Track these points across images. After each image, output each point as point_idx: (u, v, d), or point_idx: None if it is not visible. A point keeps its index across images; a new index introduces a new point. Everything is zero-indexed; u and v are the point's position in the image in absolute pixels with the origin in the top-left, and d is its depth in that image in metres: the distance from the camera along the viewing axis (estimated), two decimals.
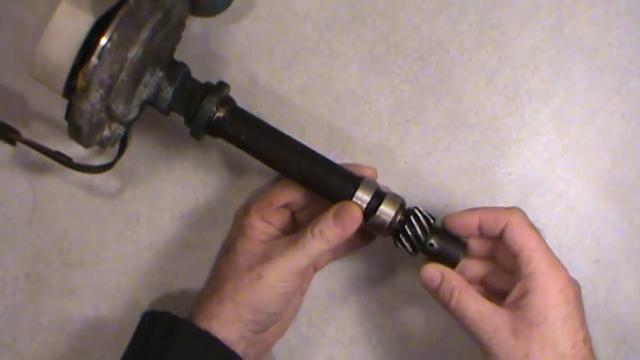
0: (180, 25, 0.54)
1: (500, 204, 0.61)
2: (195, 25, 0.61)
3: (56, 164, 0.61)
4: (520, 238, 0.52)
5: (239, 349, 0.54)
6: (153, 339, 0.54)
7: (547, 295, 0.50)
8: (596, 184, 0.61)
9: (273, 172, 0.59)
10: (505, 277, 0.54)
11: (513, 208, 0.54)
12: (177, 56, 0.55)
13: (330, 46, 0.62)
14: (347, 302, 0.62)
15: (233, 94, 0.56)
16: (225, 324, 0.53)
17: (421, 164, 0.61)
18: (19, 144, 0.55)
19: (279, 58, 0.62)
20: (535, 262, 0.51)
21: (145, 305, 0.62)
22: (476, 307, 0.51)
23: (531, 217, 0.61)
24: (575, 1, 0.61)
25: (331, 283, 0.62)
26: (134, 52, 0.47)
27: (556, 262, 0.51)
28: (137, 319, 0.56)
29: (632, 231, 0.61)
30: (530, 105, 0.61)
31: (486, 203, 0.61)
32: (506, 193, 0.61)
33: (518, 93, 0.61)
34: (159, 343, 0.53)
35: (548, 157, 0.61)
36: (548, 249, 0.52)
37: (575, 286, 0.51)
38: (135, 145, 0.62)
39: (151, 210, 0.62)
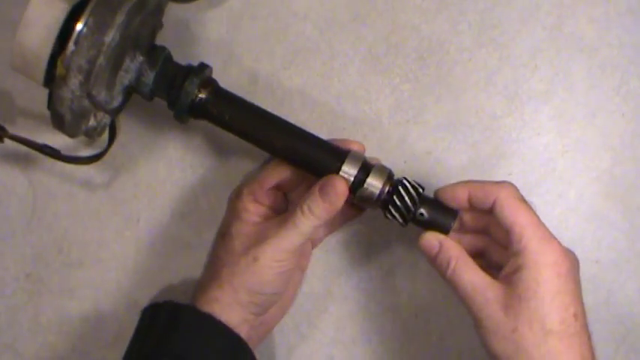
0: (159, 11, 0.54)
1: None
2: (196, 24, 0.61)
3: (54, 164, 0.61)
4: (510, 214, 0.51)
5: (242, 332, 0.54)
6: (156, 325, 0.55)
7: (538, 270, 0.49)
8: (596, 184, 0.61)
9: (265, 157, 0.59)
10: (502, 250, 0.54)
11: (503, 182, 0.53)
12: (177, 57, 0.55)
13: (330, 46, 0.62)
14: (347, 302, 0.62)
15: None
16: (226, 308, 0.54)
17: (421, 164, 0.61)
18: (10, 142, 0.55)
19: (279, 58, 0.62)
20: (526, 237, 0.50)
21: (145, 305, 0.62)
22: (470, 277, 0.51)
23: None
24: (575, 0, 0.61)
25: (331, 283, 0.62)
26: (111, 36, 0.48)
27: (548, 236, 0.51)
28: (137, 319, 0.56)
29: (632, 231, 0.61)
30: (530, 105, 0.61)
31: None
32: None
33: (518, 93, 0.61)
34: (163, 329, 0.54)
35: (548, 157, 0.61)
36: (540, 223, 0.51)
37: (569, 260, 0.50)
38: (135, 145, 0.62)
39: (150, 210, 0.62)
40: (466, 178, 0.60)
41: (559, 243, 0.51)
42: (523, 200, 0.52)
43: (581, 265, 0.60)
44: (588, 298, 0.61)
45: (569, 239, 0.60)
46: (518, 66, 0.61)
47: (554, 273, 0.49)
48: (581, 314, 0.50)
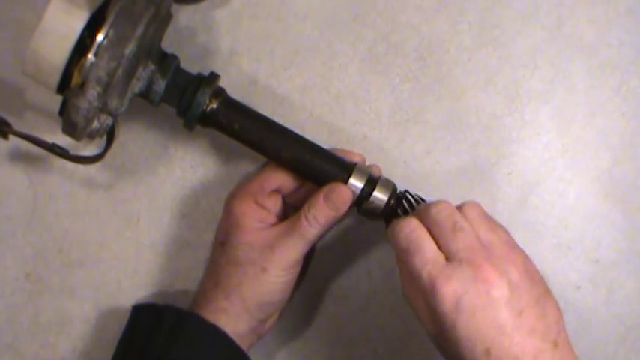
0: (169, 16, 0.54)
1: (500, 204, 0.61)
2: (196, 24, 0.61)
3: (55, 164, 0.61)
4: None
5: (248, 340, 0.55)
6: (160, 331, 0.55)
7: (437, 315, 0.47)
8: (596, 184, 0.61)
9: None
10: None
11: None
12: (179, 57, 0.56)
13: (330, 46, 0.62)
14: (347, 302, 0.62)
15: (233, 94, 0.56)
16: (233, 318, 0.54)
17: (421, 164, 0.61)
18: (17, 141, 0.55)
19: (279, 58, 0.62)
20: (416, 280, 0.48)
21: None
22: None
23: (531, 217, 0.61)
24: (575, 1, 0.61)
25: (331, 283, 0.62)
26: (130, 49, 0.47)
27: (437, 272, 0.47)
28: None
29: (632, 231, 0.61)
30: (530, 105, 0.61)
31: (486, 203, 0.60)
32: (506, 193, 0.61)
33: (518, 93, 0.61)
34: (167, 335, 0.54)
35: (548, 157, 0.61)
36: (433, 259, 0.48)
37: (468, 289, 0.46)
38: (135, 145, 0.62)
39: (151, 210, 0.62)
40: (466, 178, 0.61)
41: (452, 272, 0.46)
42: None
43: (581, 264, 0.61)
44: (588, 298, 0.61)
45: (569, 239, 0.61)
46: (518, 66, 0.61)
47: (450, 318, 0.46)
48: (495, 346, 0.45)
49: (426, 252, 0.48)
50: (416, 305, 0.49)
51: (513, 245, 0.50)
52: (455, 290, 0.46)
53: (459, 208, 0.51)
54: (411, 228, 0.49)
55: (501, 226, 0.51)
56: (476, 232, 0.49)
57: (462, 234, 0.48)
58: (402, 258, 0.49)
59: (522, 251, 0.50)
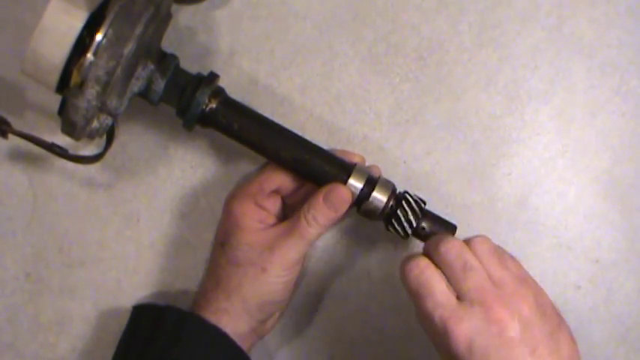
0: (168, 16, 0.54)
1: (500, 204, 0.61)
2: (196, 24, 0.61)
3: (55, 164, 0.61)
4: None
5: (249, 341, 0.56)
6: (160, 332, 0.55)
7: (452, 355, 0.47)
8: (596, 184, 0.61)
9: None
10: None
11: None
12: (179, 57, 0.55)
13: (330, 46, 0.62)
14: (347, 302, 0.62)
15: (233, 94, 0.56)
16: (234, 318, 0.55)
17: (421, 164, 0.61)
18: (17, 140, 0.55)
19: (279, 58, 0.62)
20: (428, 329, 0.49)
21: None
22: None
23: (531, 217, 0.61)
24: (575, 1, 0.61)
25: (331, 283, 0.62)
26: (129, 48, 0.47)
27: (446, 317, 0.47)
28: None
29: (632, 231, 0.61)
30: (530, 105, 0.61)
31: (486, 203, 0.61)
32: (506, 193, 0.61)
33: (518, 93, 0.61)
34: (168, 336, 0.54)
35: (548, 157, 0.61)
36: (442, 302, 0.48)
37: (480, 334, 0.46)
38: (135, 145, 0.62)
39: (151, 210, 0.62)
40: (466, 179, 0.61)
41: (464, 314, 0.47)
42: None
43: (581, 264, 0.61)
44: (588, 298, 0.61)
45: (569, 239, 0.61)
46: (518, 66, 0.61)
47: (465, 358, 0.46)
48: None
49: (437, 295, 0.48)
50: (431, 338, 0.49)
51: (524, 279, 0.50)
52: (467, 332, 0.46)
53: (468, 242, 0.50)
54: (420, 269, 0.49)
55: (512, 258, 0.51)
56: (486, 269, 0.49)
57: (472, 274, 0.48)
58: (414, 300, 0.49)
59: (534, 283, 0.50)
